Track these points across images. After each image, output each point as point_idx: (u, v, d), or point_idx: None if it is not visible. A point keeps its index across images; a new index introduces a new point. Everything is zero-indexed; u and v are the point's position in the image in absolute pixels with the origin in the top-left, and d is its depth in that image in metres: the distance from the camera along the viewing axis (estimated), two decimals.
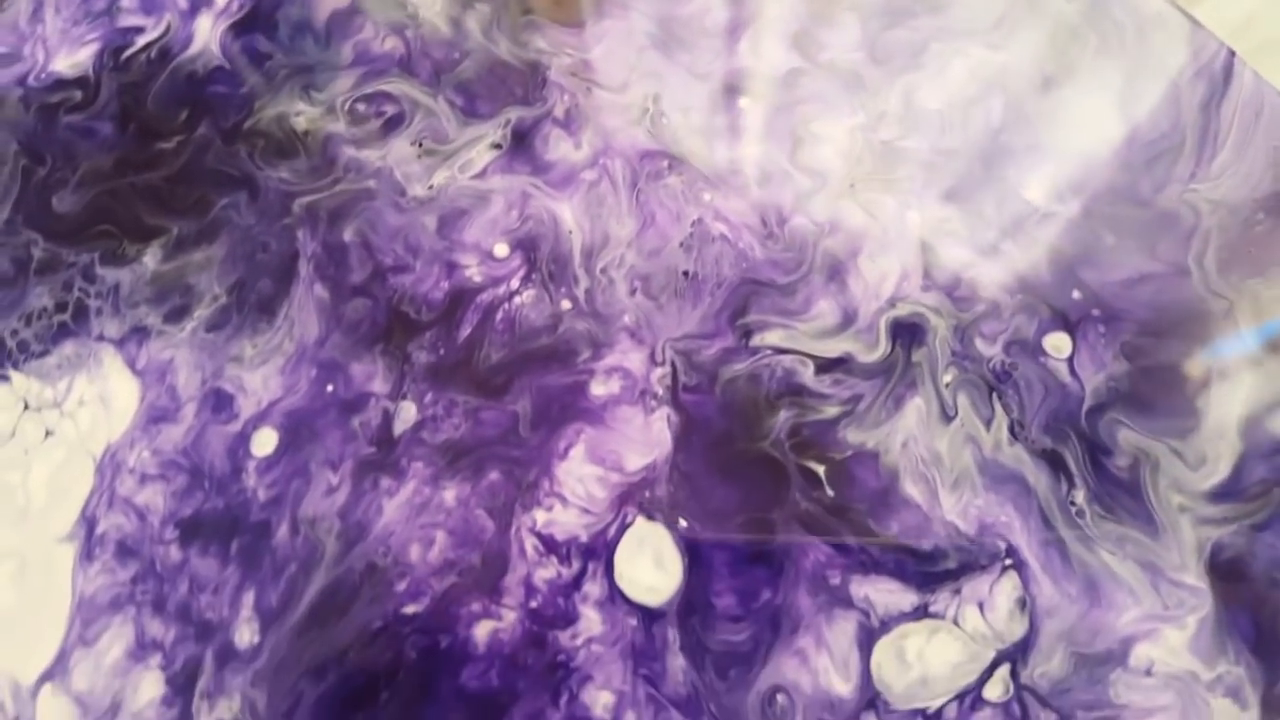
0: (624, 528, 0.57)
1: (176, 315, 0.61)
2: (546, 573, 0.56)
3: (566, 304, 0.61)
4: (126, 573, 0.57)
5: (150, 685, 0.55)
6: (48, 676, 0.56)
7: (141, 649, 0.56)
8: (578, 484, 0.58)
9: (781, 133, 0.65)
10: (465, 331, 0.61)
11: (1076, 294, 0.60)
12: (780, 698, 0.54)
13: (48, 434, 0.60)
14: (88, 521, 0.58)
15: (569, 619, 0.56)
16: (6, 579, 0.58)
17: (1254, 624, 0.55)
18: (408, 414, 0.59)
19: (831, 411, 0.59)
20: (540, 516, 0.57)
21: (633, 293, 0.61)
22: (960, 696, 0.54)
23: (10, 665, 0.56)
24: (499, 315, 0.61)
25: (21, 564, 0.58)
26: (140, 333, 0.61)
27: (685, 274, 0.62)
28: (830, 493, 0.57)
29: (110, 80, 0.67)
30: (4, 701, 0.56)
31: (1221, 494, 0.57)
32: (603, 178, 0.64)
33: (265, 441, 0.59)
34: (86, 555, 0.57)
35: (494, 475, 0.58)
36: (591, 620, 0.56)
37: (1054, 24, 0.68)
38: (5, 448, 0.59)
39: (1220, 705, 0.54)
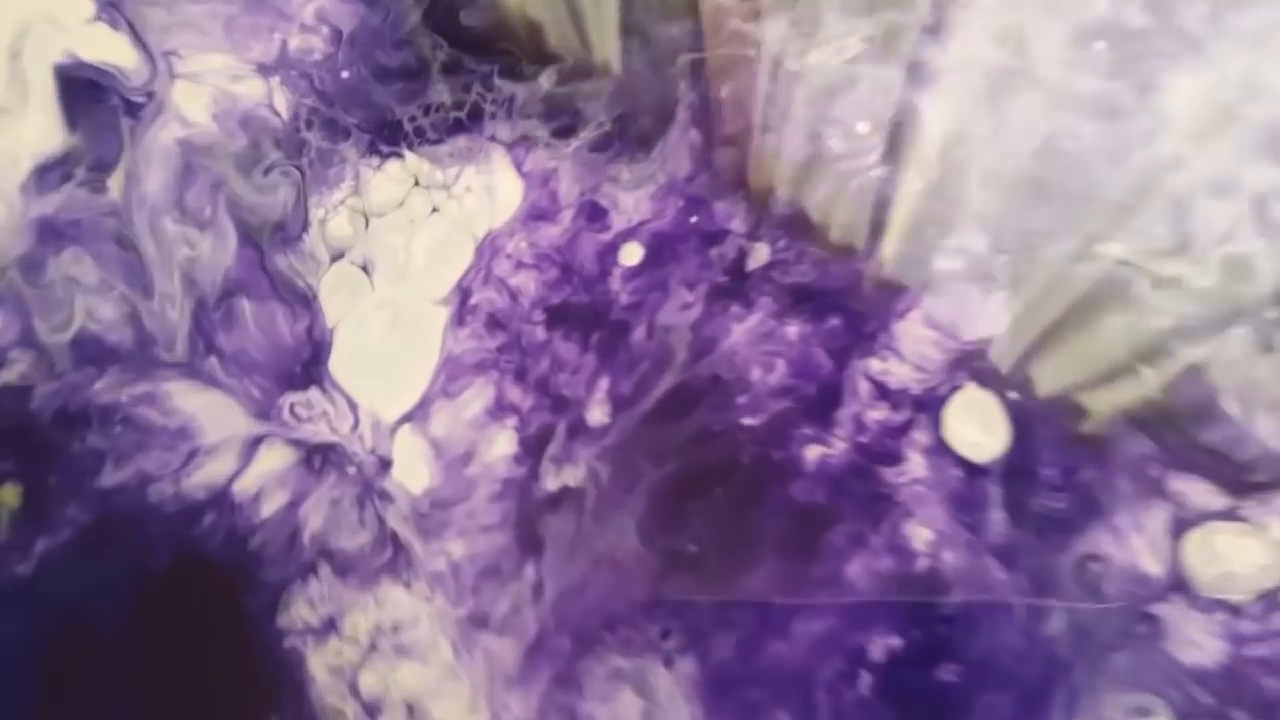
0: (955, 389, 0.61)
1: (564, 132, 0.67)
2: (877, 414, 0.60)
3: (918, 184, 0.65)
4: (494, 341, 0.62)
5: (504, 442, 0.60)
6: (408, 418, 0.61)
7: (500, 409, 0.61)
8: (914, 343, 0.62)
9: (1131, 77, 0.70)
10: (821, 191, 0.65)
11: None
12: (1093, 565, 0.57)
13: (434, 210, 0.65)
14: (462, 291, 0.63)
15: (895, 458, 0.59)
16: (381, 324, 0.63)
17: None
18: (760, 254, 0.64)
19: (1163, 324, 0.62)
20: (875, 364, 0.61)
21: (983, 186, 0.66)
22: (1264, 597, 0.56)
23: (374, 402, 0.61)
24: (854, 183, 0.66)
25: (395, 314, 0.63)
26: (528, 141, 0.67)
27: (1034, 179, 0.66)
28: (1158, 395, 0.60)
29: None
30: (364, 433, 0.61)
31: None
32: (964, 84, 0.69)
33: (632, 254, 0.64)
34: (458, 320, 0.63)
35: (835, 321, 0.62)
36: (916, 463, 0.59)
37: None
38: (393, 214, 0.65)
39: None
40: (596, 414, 0.60)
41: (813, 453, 0.59)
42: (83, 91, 0.66)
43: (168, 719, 0.57)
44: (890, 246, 0.64)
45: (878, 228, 0.65)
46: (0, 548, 0.60)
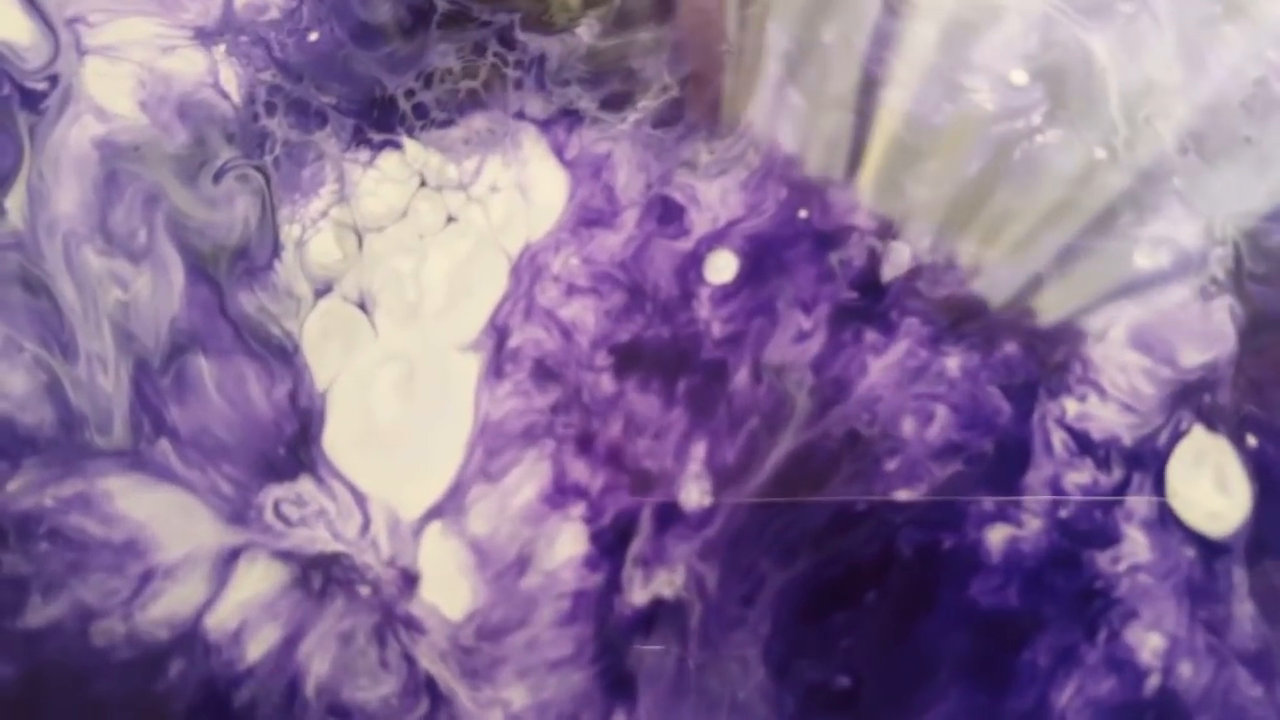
0: (1178, 436, 0.45)
1: (617, 102, 0.49)
2: (1080, 476, 0.44)
3: (1100, 152, 0.49)
4: (545, 398, 0.46)
5: (570, 539, 0.44)
6: (436, 513, 0.45)
7: (561, 494, 0.45)
8: (1119, 373, 0.46)
9: None
10: (974, 167, 0.49)
11: None
12: None
13: (449, 220, 0.48)
14: (497, 331, 0.47)
15: (1109, 538, 0.44)
16: (389, 383, 0.46)
17: None
18: (900, 257, 0.47)
19: None
20: (1071, 406, 0.45)
21: (1184, 151, 0.49)
22: None
23: (388, 493, 0.45)
24: (1016, 153, 0.49)
25: (408, 368, 0.47)
26: (570, 117, 0.49)
27: (1247, 139, 0.49)
28: None
29: None
30: (378, 538, 0.45)
31: None
32: (1142, 12, 0.51)
33: (723, 266, 0.47)
34: (495, 371, 0.46)
35: (1010, 348, 0.46)
36: (1137, 543, 0.44)
37: None
38: (395, 227, 0.48)
39: None
40: (693, 493, 0.44)
41: (997, 535, 0.44)
42: None
43: None
44: (1072, 239, 0.48)
45: (1052, 215, 0.48)
46: None
